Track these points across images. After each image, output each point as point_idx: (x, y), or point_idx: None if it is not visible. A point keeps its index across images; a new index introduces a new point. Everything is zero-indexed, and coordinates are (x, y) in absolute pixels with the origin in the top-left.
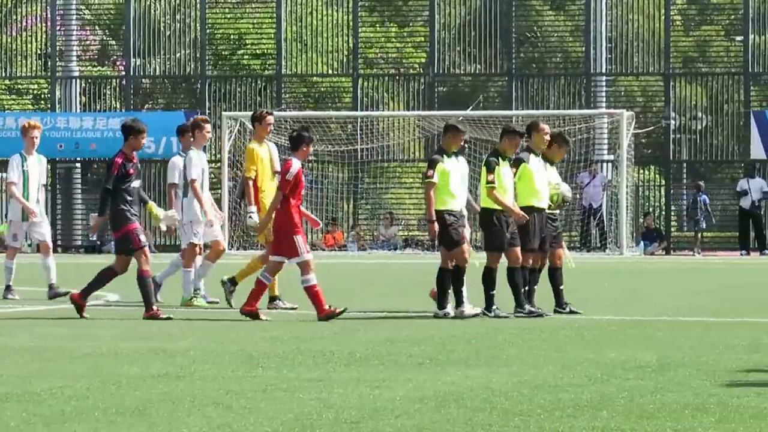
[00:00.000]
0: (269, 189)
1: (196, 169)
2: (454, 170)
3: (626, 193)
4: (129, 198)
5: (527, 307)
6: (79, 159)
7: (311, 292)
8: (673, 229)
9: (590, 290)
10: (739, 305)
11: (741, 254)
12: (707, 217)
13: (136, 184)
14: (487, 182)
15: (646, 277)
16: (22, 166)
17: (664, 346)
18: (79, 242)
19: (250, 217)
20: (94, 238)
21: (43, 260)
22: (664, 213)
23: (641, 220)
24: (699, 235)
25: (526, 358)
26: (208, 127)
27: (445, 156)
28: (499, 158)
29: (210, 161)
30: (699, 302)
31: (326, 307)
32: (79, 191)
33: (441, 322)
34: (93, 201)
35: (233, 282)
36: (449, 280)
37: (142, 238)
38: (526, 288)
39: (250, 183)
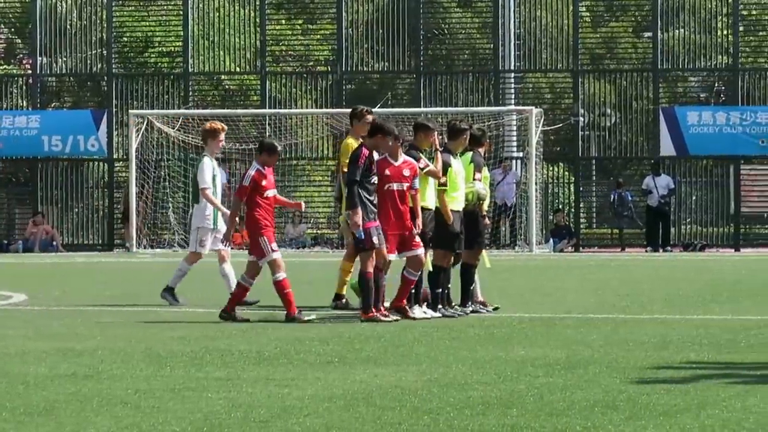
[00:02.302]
0: None
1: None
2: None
3: (535, 190)
4: (367, 193)
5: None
6: None
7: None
8: (582, 227)
9: (500, 288)
10: (647, 302)
11: (647, 251)
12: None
13: (375, 180)
14: (440, 184)
15: (555, 274)
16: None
17: (573, 344)
18: None
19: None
20: (364, 235)
21: (220, 267)
22: (573, 210)
23: (551, 218)
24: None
25: (436, 356)
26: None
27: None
28: (451, 158)
29: (117, 159)
30: (608, 299)
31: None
32: None
33: (352, 321)
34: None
35: (339, 297)
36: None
37: (376, 239)
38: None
39: None
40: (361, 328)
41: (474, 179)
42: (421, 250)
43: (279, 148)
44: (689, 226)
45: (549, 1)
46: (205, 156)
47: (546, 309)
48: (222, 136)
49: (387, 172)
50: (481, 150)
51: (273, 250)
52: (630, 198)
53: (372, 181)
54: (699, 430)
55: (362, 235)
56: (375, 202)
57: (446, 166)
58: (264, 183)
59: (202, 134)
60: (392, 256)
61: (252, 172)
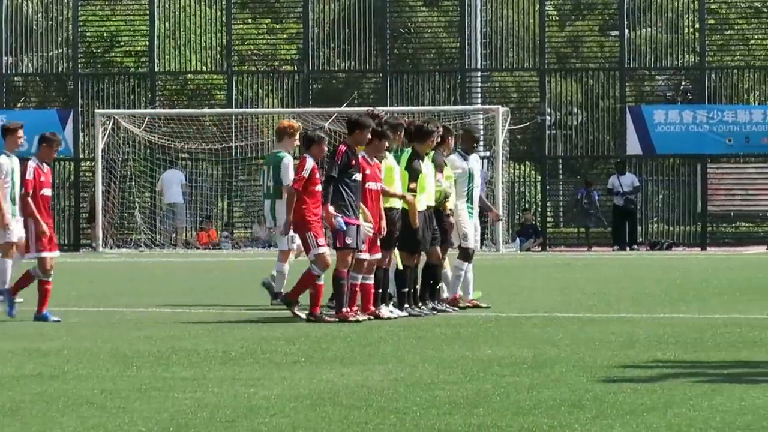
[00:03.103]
0: None
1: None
2: (396, 167)
3: (502, 189)
4: (347, 190)
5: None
6: None
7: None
8: (549, 226)
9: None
10: (614, 301)
11: (613, 249)
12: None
13: (357, 177)
14: (409, 189)
15: (522, 273)
16: None
17: (540, 343)
18: None
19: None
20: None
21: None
22: (540, 209)
23: (518, 217)
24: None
25: (402, 355)
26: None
27: (389, 153)
28: (420, 162)
29: (84, 159)
30: (575, 298)
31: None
32: None
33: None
34: None
35: None
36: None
37: (350, 240)
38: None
39: None
40: (328, 328)
41: (436, 179)
42: (365, 255)
43: (326, 138)
44: (656, 224)
45: (515, 0)
46: (286, 153)
47: (513, 308)
48: (298, 135)
49: (367, 171)
50: (444, 149)
51: (319, 245)
52: (597, 197)
53: (354, 178)
54: (666, 428)
55: (342, 226)
56: (354, 200)
57: (417, 173)
58: (317, 176)
59: (278, 132)
60: (366, 255)
61: (311, 163)
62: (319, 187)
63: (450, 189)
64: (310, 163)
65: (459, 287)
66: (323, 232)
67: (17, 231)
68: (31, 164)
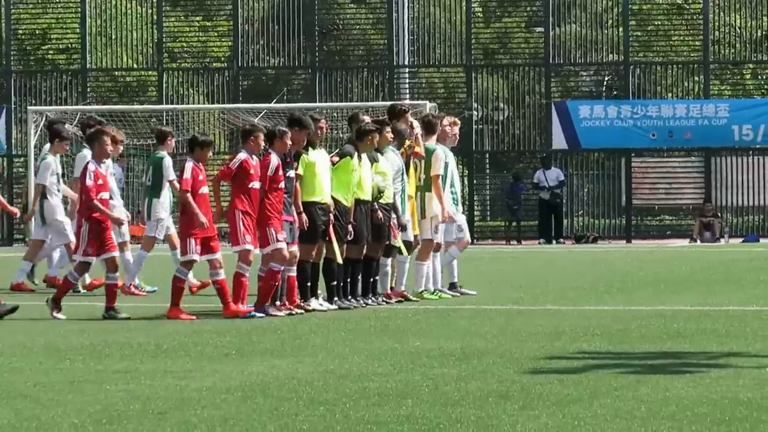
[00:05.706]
0: None
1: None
2: (320, 161)
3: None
4: (286, 189)
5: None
6: None
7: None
8: (476, 219)
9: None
10: (540, 293)
11: (539, 242)
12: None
13: (291, 174)
14: (332, 162)
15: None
16: None
17: (467, 335)
18: None
19: None
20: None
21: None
22: (467, 203)
23: None
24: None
25: (332, 347)
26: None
27: (310, 148)
28: (353, 149)
29: (16, 155)
30: (502, 291)
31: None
32: None
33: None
34: None
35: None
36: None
37: (286, 234)
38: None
39: None
40: (258, 321)
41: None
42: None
43: (288, 132)
44: (581, 218)
45: None
46: None
47: (440, 300)
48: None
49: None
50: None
51: (278, 240)
52: (525, 189)
53: (288, 175)
54: (591, 419)
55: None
56: (289, 196)
57: (345, 154)
58: (280, 173)
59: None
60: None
61: (276, 161)
62: (282, 184)
63: (383, 184)
64: (274, 160)
65: (393, 280)
66: (282, 227)
67: None
68: (189, 165)
